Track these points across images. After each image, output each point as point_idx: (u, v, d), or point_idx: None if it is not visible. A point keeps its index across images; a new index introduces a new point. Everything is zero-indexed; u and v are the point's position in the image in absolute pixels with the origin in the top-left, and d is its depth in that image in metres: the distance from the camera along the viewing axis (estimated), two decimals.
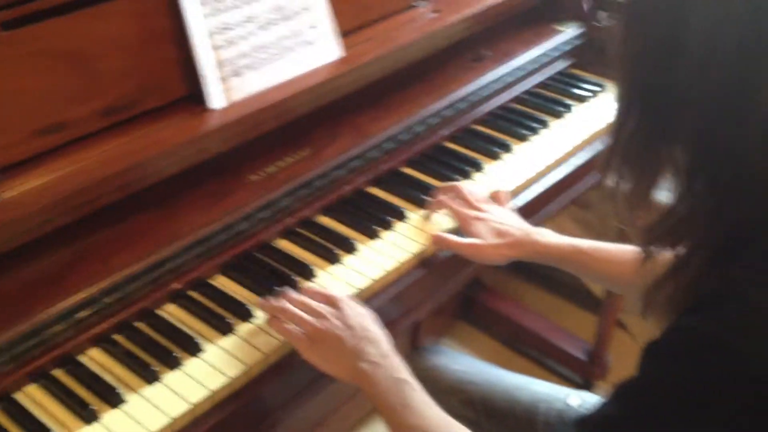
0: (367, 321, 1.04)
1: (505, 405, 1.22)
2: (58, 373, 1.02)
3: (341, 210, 1.30)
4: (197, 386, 1.00)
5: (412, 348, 1.80)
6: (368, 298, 1.16)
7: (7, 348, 0.98)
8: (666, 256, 0.94)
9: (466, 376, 1.26)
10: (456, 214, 1.25)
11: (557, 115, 1.55)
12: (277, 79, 1.27)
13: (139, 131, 1.14)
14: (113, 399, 0.97)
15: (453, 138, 1.48)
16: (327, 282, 1.16)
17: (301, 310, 1.05)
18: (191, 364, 1.04)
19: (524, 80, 1.62)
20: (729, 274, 0.69)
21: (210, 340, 1.07)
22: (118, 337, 1.07)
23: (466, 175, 1.39)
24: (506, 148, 1.45)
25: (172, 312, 1.12)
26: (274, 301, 1.08)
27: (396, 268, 1.20)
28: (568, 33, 1.69)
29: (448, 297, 1.33)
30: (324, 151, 1.31)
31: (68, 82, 1.08)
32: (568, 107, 1.57)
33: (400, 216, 1.29)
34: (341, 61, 1.34)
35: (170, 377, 1.02)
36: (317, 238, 1.24)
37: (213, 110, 1.19)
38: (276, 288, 1.13)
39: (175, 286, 1.13)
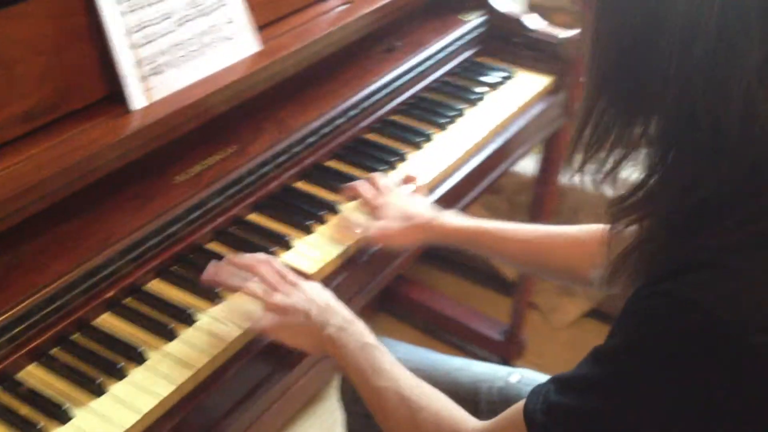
0: (326, 295, 1.08)
1: (448, 387, 1.22)
2: None
3: (272, 206, 1.28)
4: (146, 395, 0.97)
5: None
6: None
7: None
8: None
9: (406, 363, 1.25)
10: (365, 200, 1.27)
11: (472, 102, 1.58)
12: (198, 76, 1.24)
13: (62, 136, 1.09)
14: (61, 415, 0.93)
15: (373, 129, 1.49)
16: None
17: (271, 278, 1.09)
18: (137, 372, 1.00)
19: (436, 70, 1.63)
20: (700, 243, 0.71)
21: (154, 347, 1.04)
22: (56, 352, 1.03)
23: (391, 165, 1.39)
24: (426, 137, 1.47)
25: (109, 321, 1.08)
26: (250, 257, 1.12)
27: (332, 260, 1.19)
28: (473, 22, 1.72)
29: (381, 287, 1.34)
30: (249, 148, 1.29)
31: None
32: (480, 95, 1.60)
33: (332, 209, 1.28)
34: (259, 56, 1.32)
35: (117, 388, 0.98)
36: (251, 238, 1.22)
37: (135, 111, 1.16)
38: (216, 291, 1.11)
39: (110, 294, 1.09)
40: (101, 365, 1.00)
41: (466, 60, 1.71)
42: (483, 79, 1.65)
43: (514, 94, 1.62)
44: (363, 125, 1.47)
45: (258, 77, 1.29)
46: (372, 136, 1.47)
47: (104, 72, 1.15)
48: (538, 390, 0.84)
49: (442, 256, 2.40)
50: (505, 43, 1.74)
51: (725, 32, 0.66)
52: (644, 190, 0.76)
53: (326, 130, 1.39)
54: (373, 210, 1.26)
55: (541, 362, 2.08)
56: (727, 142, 0.69)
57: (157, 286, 1.13)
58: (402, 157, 1.41)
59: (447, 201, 1.39)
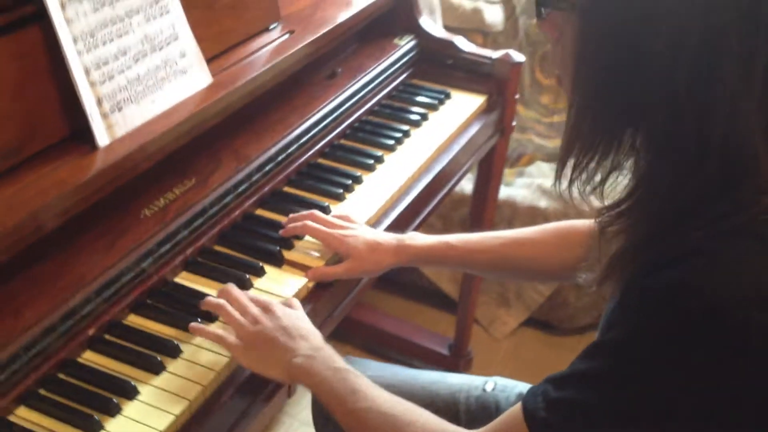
0: (299, 320, 1.08)
1: (426, 400, 1.26)
2: None
3: (236, 236, 1.29)
4: (144, 428, 0.97)
5: None
6: None
7: None
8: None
9: (381, 380, 1.28)
10: (325, 238, 1.25)
11: (416, 124, 1.63)
12: (156, 111, 1.24)
13: (30, 177, 1.08)
14: None
15: (324, 154, 1.52)
16: None
17: (235, 308, 1.09)
18: (131, 407, 1.00)
19: (376, 93, 1.68)
20: (687, 235, 0.76)
21: (144, 381, 1.03)
22: (45, 392, 1.01)
23: (347, 188, 1.42)
24: (378, 158, 1.50)
25: (94, 359, 1.07)
26: (211, 299, 1.11)
27: (304, 285, 1.22)
28: (406, 46, 1.78)
29: (354, 304, 1.36)
30: (210, 179, 1.30)
31: None
32: (424, 115, 1.65)
33: (296, 236, 1.30)
34: (212, 88, 1.33)
35: (113, 424, 0.98)
36: (221, 267, 1.23)
37: (100, 149, 1.15)
38: (196, 319, 1.11)
39: (90, 332, 1.08)
40: (94, 402, 0.99)
41: (402, 83, 1.77)
42: (422, 100, 1.71)
43: (454, 114, 1.68)
44: (314, 150, 1.50)
45: (213, 109, 1.30)
46: (324, 161, 1.50)
47: (66, 111, 1.14)
48: (534, 391, 0.88)
49: (382, 276, 2.43)
50: (438, 65, 1.81)
51: (707, 46, 0.71)
52: (633, 198, 0.81)
53: (281, 157, 1.41)
54: (336, 243, 1.25)
55: (489, 373, 2.13)
56: (710, 147, 0.74)
57: (135, 321, 1.13)
58: (357, 180, 1.45)
59: (405, 219, 1.43)
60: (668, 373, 0.76)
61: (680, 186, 0.77)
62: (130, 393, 1.01)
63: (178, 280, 1.21)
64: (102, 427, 0.97)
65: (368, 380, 1.02)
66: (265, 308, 1.09)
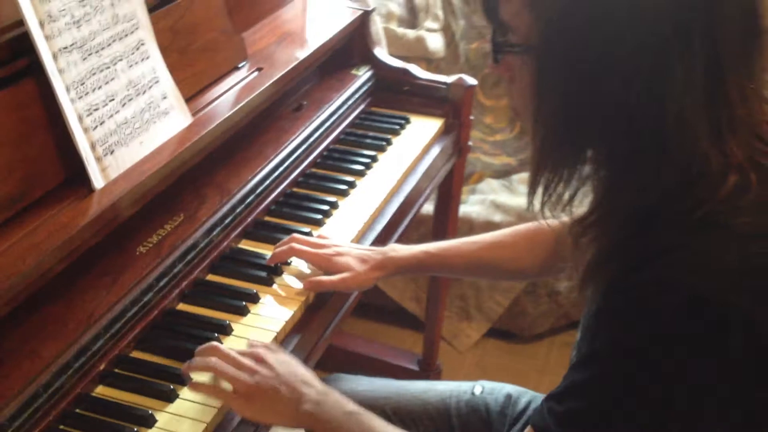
0: (294, 366, 1.09)
1: (418, 409, 1.33)
2: None
3: (228, 266, 1.35)
4: None
5: None
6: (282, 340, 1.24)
7: None
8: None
9: (373, 394, 1.36)
10: (315, 258, 1.32)
11: (381, 149, 1.71)
12: (144, 152, 1.30)
13: (34, 223, 1.13)
14: None
15: (298, 183, 1.59)
16: (245, 333, 1.22)
17: (229, 364, 1.08)
18: None
19: (341, 123, 1.76)
20: (656, 235, 0.83)
21: (159, 410, 1.08)
22: (65, 428, 1.05)
23: (325, 214, 1.49)
24: (350, 184, 1.58)
25: (107, 393, 1.11)
26: (200, 361, 1.10)
27: (298, 307, 1.28)
28: (364, 76, 1.86)
29: (343, 321, 1.43)
30: (198, 213, 1.35)
31: None
32: (388, 141, 1.73)
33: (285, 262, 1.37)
34: (193, 127, 1.39)
35: None
36: (216, 296, 1.28)
37: (96, 191, 1.20)
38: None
39: (101, 367, 1.13)
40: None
41: (363, 111, 1.85)
42: (384, 126, 1.79)
43: (415, 137, 1.77)
44: (290, 180, 1.56)
45: (196, 147, 1.36)
46: (300, 190, 1.57)
47: (62, 157, 1.19)
48: (539, 410, 0.92)
49: None
50: (395, 92, 1.90)
51: (654, 64, 0.80)
52: (600, 209, 0.89)
53: (260, 188, 1.48)
54: (326, 262, 1.31)
55: None
56: (668, 156, 0.82)
57: (140, 354, 1.18)
58: (334, 205, 1.52)
59: (382, 240, 1.51)
60: (659, 371, 0.81)
61: (643, 192, 0.84)
62: (149, 421, 1.06)
63: (178, 309, 1.26)
64: None
65: (381, 420, 1.05)
66: (257, 358, 1.08)
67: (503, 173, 2.70)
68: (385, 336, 2.45)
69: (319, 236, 1.38)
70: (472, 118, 1.90)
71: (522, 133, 2.75)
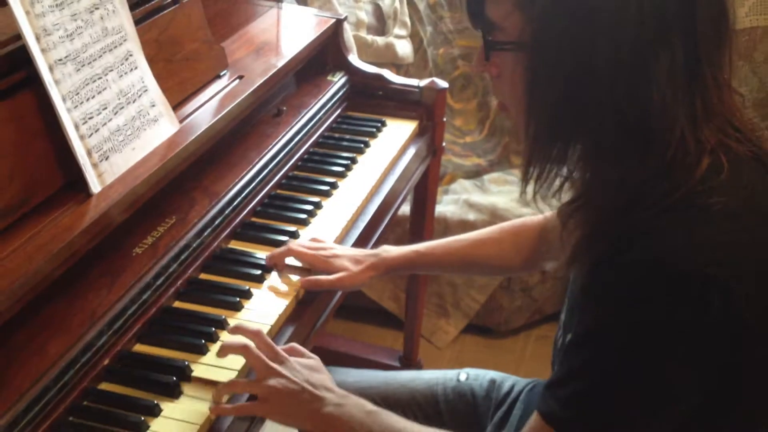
0: (315, 368, 1.14)
1: (406, 397, 1.40)
2: None
3: (220, 265, 1.41)
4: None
5: None
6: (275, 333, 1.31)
7: None
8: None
9: (362, 384, 1.43)
10: (313, 259, 1.38)
11: (360, 151, 1.78)
12: (136, 158, 1.35)
13: (37, 226, 1.18)
14: None
15: (282, 186, 1.65)
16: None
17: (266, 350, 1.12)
18: (158, 423, 1.11)
19: (319, 127, 1.82)
20: (636, 217, 0.89)
21: (163, 402, 1.14)
22: (74, 419, 1.11)
23: (310, 214, 1.56)
24: (332, 185, 1.65)
25: (112, 387, 1.17)
26: (235, 342, 1.13)
27: (289, 303, 1.34)
28: (339, 82, 1.93)
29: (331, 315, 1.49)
30: (189, 216, 1.41)
31: None
32: (366, 143, 1.80)
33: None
34: (180, 133, 1.45)
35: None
36: (213, 294, 1.34)
37: (94, 196, 1.26)
38: (201, 341, 1.23)
39: (105, 362, 1.18)
40: (122, 422, 1.10)
41: (339, 115, 1.92)
42: (361, 129, 1.86)
43: (392, 139, 1.84)
44: (273, 182, 1.63)
45: (184, 153, 1.42)
46: (283, 191, 1.64)
47: (60, 164, 1.25)
48: (543, 397, 0.97)
49: None
50: (370, 96, 1.97)
51: (638, 57, 0.87)
52: (586, 194, 0.96)
53: (246, 191, 1.54)
54: (323, 264, 1.38)
55: None
56: (650, 144, 0.89)
57: (142, 349, 1.23)
58: (317, 205, 1.58)
59: (364, 238, 1.58)
60: (649, 345, 0.87)
61: (627, 178, 0.91)
62: (155, 411, 1.12)
63: (174, 306, 1.32)
64: None
65: (400, 417, 1.09)
66: (281, 361, 1.12)
67: (474, 174, 2.78)
68: (366, 335, 2.51)
69: (315, 239, 1.45)
70: (445, 119, 1.98)
71: (491, 135, 2.83)
